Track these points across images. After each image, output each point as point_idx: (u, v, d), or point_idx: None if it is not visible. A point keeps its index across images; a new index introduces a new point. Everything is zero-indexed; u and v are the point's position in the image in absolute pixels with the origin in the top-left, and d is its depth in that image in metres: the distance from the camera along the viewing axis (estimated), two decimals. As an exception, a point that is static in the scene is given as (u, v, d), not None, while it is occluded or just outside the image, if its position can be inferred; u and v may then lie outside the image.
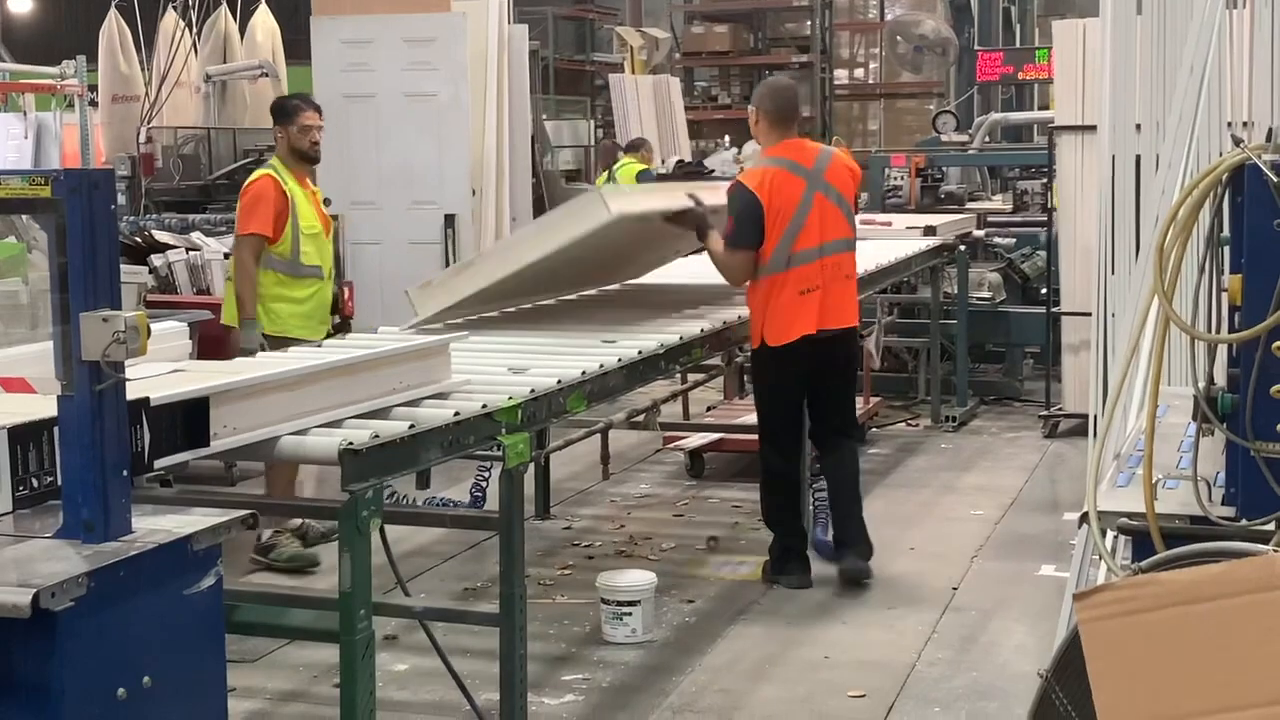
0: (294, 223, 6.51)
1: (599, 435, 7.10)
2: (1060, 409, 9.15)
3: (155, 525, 2.93)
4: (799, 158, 6.06)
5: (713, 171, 13.66)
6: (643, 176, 12.81)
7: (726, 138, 16.69)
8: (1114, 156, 5.44)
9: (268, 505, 5.63)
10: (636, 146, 13.74)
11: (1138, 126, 5.42)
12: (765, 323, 5.95)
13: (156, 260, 8.52)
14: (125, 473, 2.91)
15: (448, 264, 9.00)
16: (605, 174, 12.98)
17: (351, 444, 3.59)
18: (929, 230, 9.16)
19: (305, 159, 6.69)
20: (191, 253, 8.79)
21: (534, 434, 4.42)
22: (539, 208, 13.36)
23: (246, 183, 6.63)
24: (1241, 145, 2.92)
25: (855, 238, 6.24)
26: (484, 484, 6.82)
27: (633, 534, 7.01)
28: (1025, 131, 14.38)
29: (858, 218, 6.61)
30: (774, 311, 5.94)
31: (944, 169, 12.05)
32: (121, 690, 2.71)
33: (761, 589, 6.14)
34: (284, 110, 6.74)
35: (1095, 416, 5.29)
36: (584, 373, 4.59)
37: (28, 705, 2.60)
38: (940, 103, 16.13)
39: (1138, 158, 5.30)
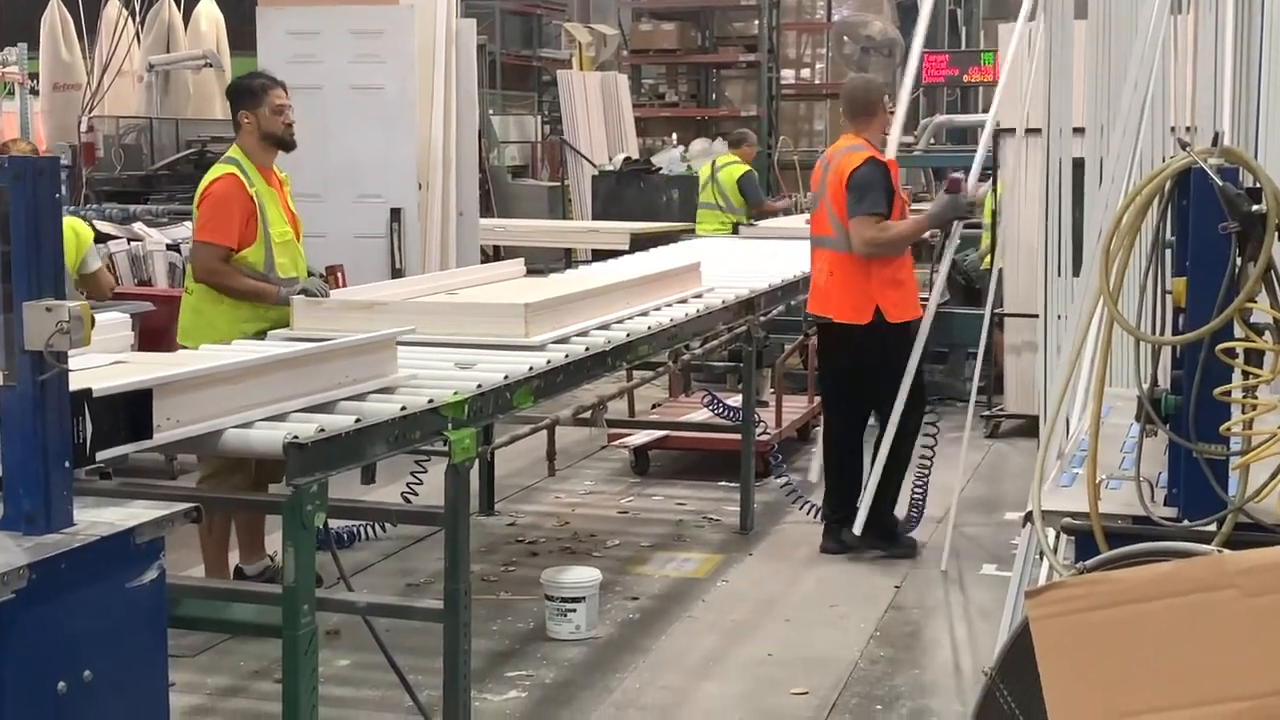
0: (264, 231, 5.55)
1: (544, 432, 7.08)
2: (1002, 409, 9.23)
3: (97, 518, 2.91)
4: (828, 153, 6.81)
5: (660, 169, 13.58)
6: (745, 181, 11.17)
7: (674, 135, 16.68)
8: (1055, 158, 5.47)
9: (211, 499, 5.56)
10: (739, 141, 11.50)
11: (1076, 129, 5.45)
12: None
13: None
14: (68, 464, 2.88)
15: (393, 258, 8.97)
16: (709, 168, 10.82)
17: (297, 437, 3.57)
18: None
19: (280, 144, 5.72)
20: (133, 243, 8.73)
21: (480, 429, 4.41)
22: (485, 203, 13.34)
23: (205, 182, 5.63)
24: (1188, 149, 2.96)
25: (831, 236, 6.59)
26: (416, 487, 6.61)
27: (577, 531, 7.00)
28: (970, 134, 14.48)
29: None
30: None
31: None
32: (62, 684, 2.68)
33: (707, 586, 6.16)
34: (249, 90, 5.72)
35: (1041, 418, 5.34)
36: (531, 368, 4.58)
37: (-34, 699, 2.56)
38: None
39: (1075, 160, 5.32)
